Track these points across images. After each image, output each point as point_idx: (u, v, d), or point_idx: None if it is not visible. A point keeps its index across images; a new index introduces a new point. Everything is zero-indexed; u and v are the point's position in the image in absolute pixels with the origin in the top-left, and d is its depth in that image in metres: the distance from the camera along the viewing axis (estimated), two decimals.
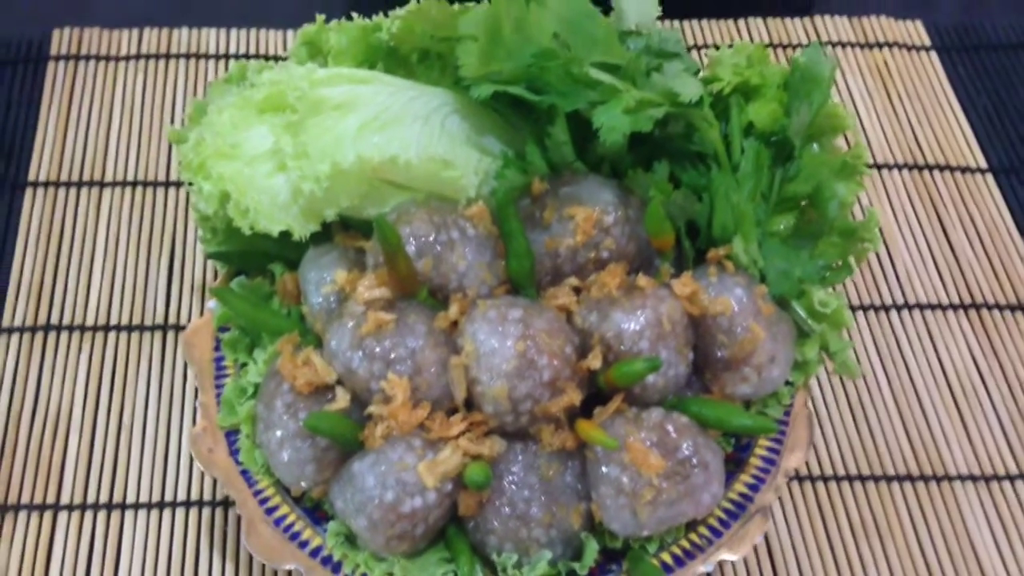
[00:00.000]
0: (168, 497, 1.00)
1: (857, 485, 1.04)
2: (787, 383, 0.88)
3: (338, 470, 0.80)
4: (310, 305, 0.86)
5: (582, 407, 0.81)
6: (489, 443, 0.78)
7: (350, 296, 0.82)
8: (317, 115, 0.82)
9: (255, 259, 0.91)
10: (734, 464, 0.86)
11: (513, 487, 0.79)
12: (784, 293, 0.88)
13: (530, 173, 0.87)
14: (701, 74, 0.94)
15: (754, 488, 0.84)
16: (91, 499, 1.00)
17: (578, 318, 0.82)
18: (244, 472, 0.84)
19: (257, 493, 0.83)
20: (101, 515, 0.99)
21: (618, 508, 0.78)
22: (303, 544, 0.81)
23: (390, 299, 0.80)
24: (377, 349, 0.78)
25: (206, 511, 0.99)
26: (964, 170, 1.27)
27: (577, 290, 0.84)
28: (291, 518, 0.82)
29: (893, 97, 1.33)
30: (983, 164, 1.27)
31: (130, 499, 1.00)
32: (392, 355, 0.78)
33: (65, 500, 1.00)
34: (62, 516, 0.99)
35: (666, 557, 0.81)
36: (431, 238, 0.81)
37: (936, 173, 1.26)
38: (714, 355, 0.84)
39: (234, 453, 0.85)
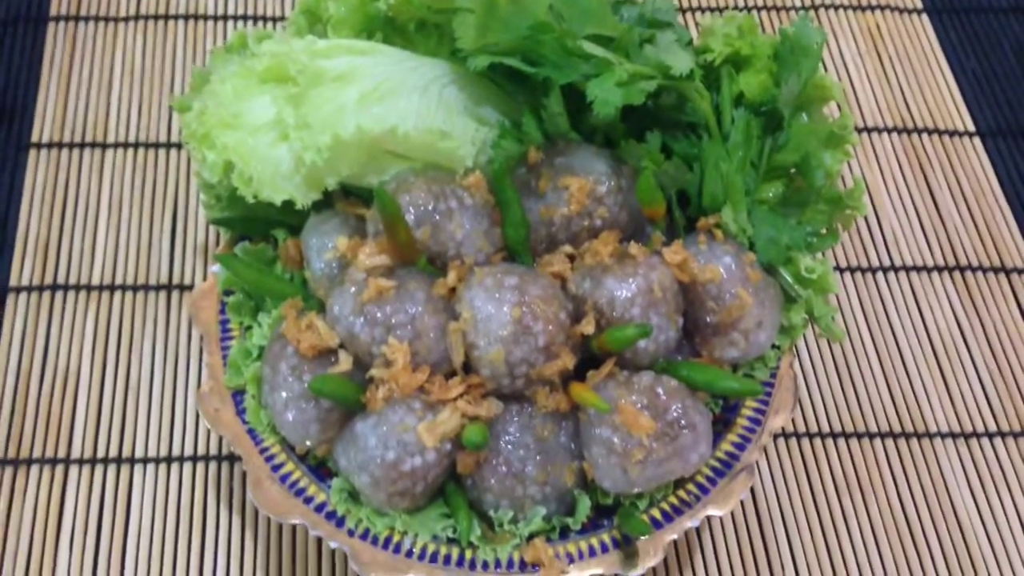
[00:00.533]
0: (175, 452, 1.03)
1: (841, 441, 1.07)
2: (774, 346, 0.91)
3: (341, 429, 0.84)
4: (312, 270, 0.88)
5: (576, 370, 0.84)
6: (486, 405, 0.81)
7: (351, 262, 0.85)
8: (318, 87, 0.84)
9: (258, 225, 0.93)
10: (722, 424, 0.89)
11: (509, 447, 0.82)
12: (772, 260, 0.90)
13: (526, 143, 0.89)
14: (694, 43, 0.96)
15: (740, 447, 0.88)
16: (100, 453, 1.03)
17: (572, 284, 0.85)
18: (250, 431, 0.87)
19: (263, 451, 0.86)
20: (111, 469, 1.02)
21: (610, 467, 0.81)
22: (308, 500, 0.84)
23: (390, 266, 0.83)
24: (378, 315, 0.81)
25: (212, 465, 1.03)
26: (952, 133, 1.29)
27: (571, 257, 0.87)
28: (296, 475, 0.85)
29: (884, 60, 1.35)
30: (971, 127, 1.30)
31: (139, 454, 1.03)
32: (392, 320, 0.81)
33: (76, 454, 1.03)
34: (73, 470, 1.02)
35: (655, 513, 0.85)
36: (430, 207, 0.84)
37: (924, 136, 1.29)
38: (703, 320, 0.87)
39: (240, 413, 0.88)
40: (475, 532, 0.82)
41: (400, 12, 0.93)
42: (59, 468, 1.02)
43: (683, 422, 0.81)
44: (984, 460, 1.07)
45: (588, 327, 0.82)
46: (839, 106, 0.94)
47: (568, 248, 0.87)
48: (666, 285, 0.84)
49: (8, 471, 1.01)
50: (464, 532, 0.82)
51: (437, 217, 0.84)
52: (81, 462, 1.02)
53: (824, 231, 0.95)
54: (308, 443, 0.84)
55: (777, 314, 0.89)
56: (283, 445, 0.87)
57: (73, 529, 0.99)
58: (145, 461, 1.03)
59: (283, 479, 0.85)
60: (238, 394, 0.89)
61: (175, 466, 1.03)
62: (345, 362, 0.82)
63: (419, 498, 0.82)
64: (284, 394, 0.83)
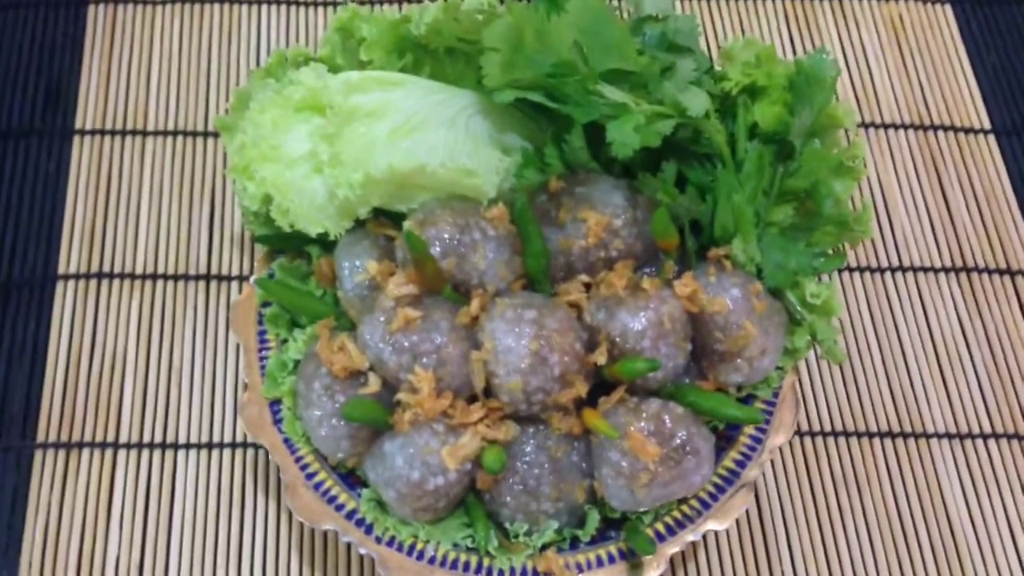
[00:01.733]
0: (216, 439, 1.10)
1: (841, 440, 1.13)
2: (777, 367, 0.96)
3: (370, 445, 0.90)
4: (344, 291, 0.94)
5: (589, 393, 0.90)
6: (504, 428, 0.88)
7: (381, 285, 0.91)
8: (351, 123, 0.88)
9: (294, 241, 0.98)
10: (725, 440, 0.95)
11: (525, 466, 0.89)
12: (779, 284, 0.95)
13: (547, 172, 0.94)
14: (713, 64, 1.00)
15: (741, 464, 0.94)
16: (147, 439, 1.10)
17: (587, 315, 0.90)
18: (286, 440, 0.94)
19: (298, 460, 0.93)
20: (157, 453, 1.09)
21: (618, 488, 0.88)
22: (339, 507, 0.91)
23: (417, 295, 0.89)
24: (405, 344, 0.87)
25: (250, 452, 1.10)
26: (968, 131, 1.31)
27: (587, 285, 0.92)
28: (328, 483, 0.92)
29: (905, 53, 1.36)
30: (987, 125, 1.32)
31: (182, 439, 1.10)
32: (419, 349, 0.87)
33: (124, 439, 1.10)
34: (121, 454, 1.09)
35: (659, 526, 0.91)
36: (455, 240, 0.89)
37: (940, 134, 1.31)
38: (711, 347, 0.92)
39: (277, 422, 0.95)
40: (492, 543, 0.89)
41: (430, 40, 0.97)
42: (108, 452, 1.09)
43: (687, 448, 0.88)
44: (977, 461, 1.13)
45: (601, 357, 0.88)
46: (847, 134, 0.97)
47: (585, 277, 0.92)
48: (676, 317, 0.89)
49: (62, 454, 1.09)
50: (482, 542, 0.89)
51: (462, 249, 0.89)
52: (129, 446, 1.10)
53: (831, 251, 0.99)
54: (340, 455, 0.91)
55: (781, 340, 0.94)
56: (316, 454, 0.94)
57: (123, 511, 1.06)
58: (188, 447, 1.10)
59: (316, 487, 0.92)
60: (276, 403, 0.96)
61: (216, 452, 1.10)
62: (374, 383, 0.89)
63: (441, 511, 0.89)
64: (317, 412, 0.90)
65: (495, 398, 0.88)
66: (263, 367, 0.97)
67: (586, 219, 0.91)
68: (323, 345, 0.90)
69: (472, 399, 0.89)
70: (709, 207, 0.94)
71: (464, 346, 0.88)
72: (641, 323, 0.88)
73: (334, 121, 0.87)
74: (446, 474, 0.86)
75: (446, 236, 0.89)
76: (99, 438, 1.10)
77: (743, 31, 1.37)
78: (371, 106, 0.90)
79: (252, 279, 0.99)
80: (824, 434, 1.13)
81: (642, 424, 0.87)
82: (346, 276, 0.94)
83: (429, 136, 0.91)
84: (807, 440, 1.13)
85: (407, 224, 0.89)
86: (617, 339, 0.88)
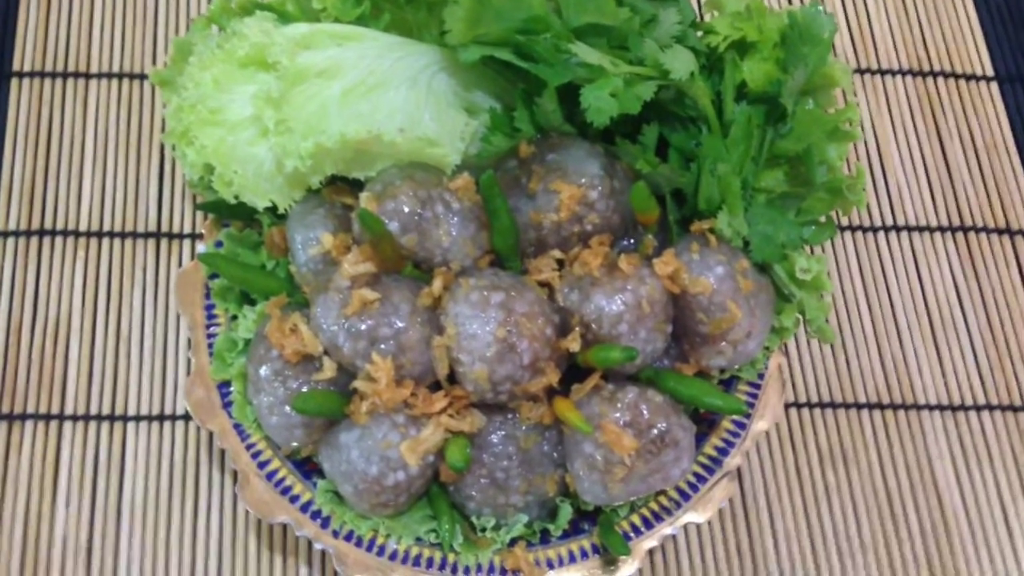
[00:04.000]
0: (167, 410, 1.04)
1: (828, 412, 1.08)
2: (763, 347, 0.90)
3: (326, 432, 0.84)
4: (297, 265, 0.87)
5: (561, 376, 0.83)
6: (469, 419, 0.82)
7: (336, 259, 0.83)
8: (300, 83, 0.80)
9: (244, 209, 0.90)
10: (707, 425, 0.90)
11: (492, 458, 0.83)
12: (766, 258, 0.88)
13: (516, 137, 0.86)
14: (698, 15, 0.91)
15: (723, 452, 0.88)
16: (94, 410, 1.04)
17: (560, 295, 0.83)
18: (237, 426, 0.87)
19: (250, 447, 0.87)
20: (104, 426, 1.03)
21: (591, 483, 0.82)
22: (294, 499, 0.85)
23: (375, 274, 0.81)
24: (362, 328, 0.80)
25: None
26: (969, 78, 1.24)
27: (560, 262, 0.85)
28: (282, 472, 0.86)
29: None
30: (989, 71, 1.24)
31: (131, 411, 1.04)
32: (376, 334, 0.80)
33: (69, 411, 1.04)
34: (67, 426, 1.03)
35: (635, 519, 0.86)
36: (416, 215, 0.81)
37: (940, 80, 1.23)
38: (693, 329, 0.85)
39: (227, 406, 0.88)
40: (457, 539, 0.84)
41: None
42: (53, 424, 1.03)
43: (666, 439, 0.82)
44: (969, 433, 1.08)
45: (574, 343, 0.81)
46: (845, 96, 0.90)
47: (557, 253, 0.85)
48: (655, 299, 0.82)
49: (3, 426, 1.03)
50: (446, 538, 0.83)
51: (424, 224, 0.82)
52: (75, 418, 1.03)
53: (823, 219, 0.92)
54: (293, 444, 0.85)
55: (768, 320, 0.88)
56: (269, 441, 0.87)
57: (69, 487, 1.01)
58: (138, 419, 1.04)
59: (269, 476, 0.86)
60: (225, 386, 0.89)
61: (167, 425, 1.04)
62: (329, 369, 0.82)
63: (402, 506, 0.84)
64: (268, 399, 0.83)
65: (460, 385, 0.82)
66: (211, 345, 0.90)
67: (559, 191, 0.83)
68: (274, 327, 0.83)
69: (435, 386, 0.83)
70: (693, 176, 0.87)
71: (426, 330, 0.81)
72: (618, 306, 0.81)
73: (281, 83, 0.79)
74: (406, 469, 0.80)
75: (406, 210, 0.81)
76: (43, 409, 1.04)
77: None
78: (322, 65, 0.81)
79: (197, 252, 0.91)
80: (811, 405, 1.08)
81: (618, 415, 0.81)
82: (299, 249, 0.86)
83: (388, 97, 0.83)
84: (792, 412, 1.08)
85: (363, 197, 0.81)
86: (592, 323, 0.81)
